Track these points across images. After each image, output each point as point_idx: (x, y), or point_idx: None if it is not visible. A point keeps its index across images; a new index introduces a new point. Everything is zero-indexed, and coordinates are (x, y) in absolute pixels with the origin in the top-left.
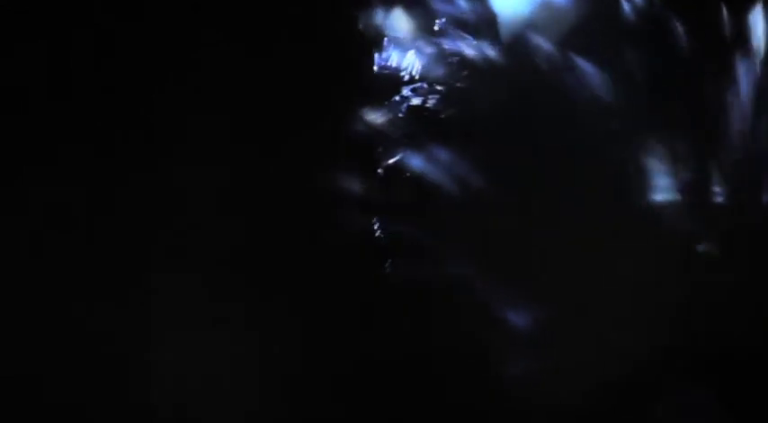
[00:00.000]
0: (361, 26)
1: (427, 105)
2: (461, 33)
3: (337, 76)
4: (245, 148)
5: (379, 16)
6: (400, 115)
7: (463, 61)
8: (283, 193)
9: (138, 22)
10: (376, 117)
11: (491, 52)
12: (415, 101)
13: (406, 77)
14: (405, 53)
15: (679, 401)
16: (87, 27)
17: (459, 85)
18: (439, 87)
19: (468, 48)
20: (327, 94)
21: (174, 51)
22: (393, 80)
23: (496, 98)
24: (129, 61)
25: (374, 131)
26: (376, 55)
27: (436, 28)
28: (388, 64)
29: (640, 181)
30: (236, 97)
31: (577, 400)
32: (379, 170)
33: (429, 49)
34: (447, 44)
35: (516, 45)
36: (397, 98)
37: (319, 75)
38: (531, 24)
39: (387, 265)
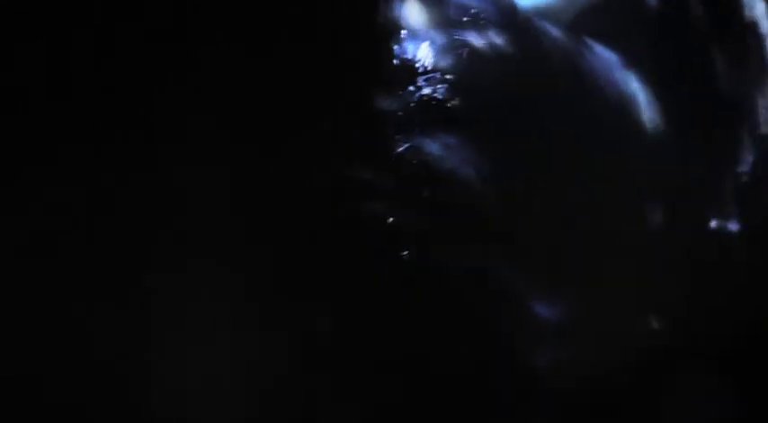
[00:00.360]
0: (364, 22)
1: (440, 95)
2: (477, 22)
3: (338, 75)
4: (245, 148)
5: (393, 8)
6: (412, 105)
7: (478, 50)
8: (284, 194)
9: (138, 22)
10: (387, 105)
11: (506, 41)
12: (428, 90)
13: (420, 68)
14: (419, 44)
15: (691, 389)
16: (87, 27)
17: (474, 74)
18: (453, 77)
19: (483, 37)
20: (328, 94)
21: (174, 51)
22: (406, 71)
23: (511, 87)
24: (129, 61)
25: (384, 122)
26: (388, 47)
27: (451, 18)
28: (402, 55)
29: (652, 172)
30: (236, 97)
31: (587, 392)
32: (388, 164)
33: (443, 40)
34: (463, 34)
35: (532, 33)
36: (411, 88)
37: (320, 74)
38: (547, 11)
39: (393, 259)
